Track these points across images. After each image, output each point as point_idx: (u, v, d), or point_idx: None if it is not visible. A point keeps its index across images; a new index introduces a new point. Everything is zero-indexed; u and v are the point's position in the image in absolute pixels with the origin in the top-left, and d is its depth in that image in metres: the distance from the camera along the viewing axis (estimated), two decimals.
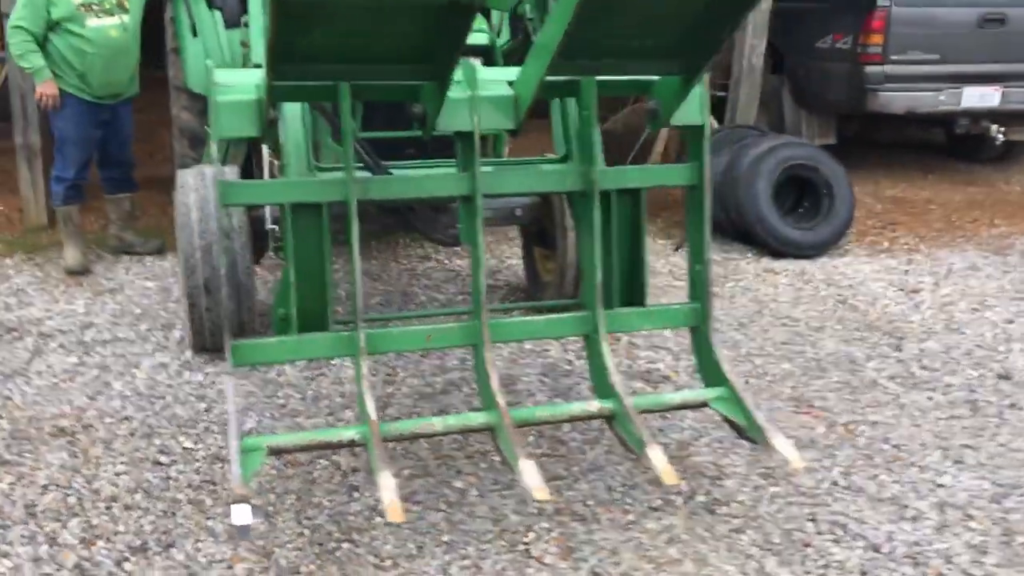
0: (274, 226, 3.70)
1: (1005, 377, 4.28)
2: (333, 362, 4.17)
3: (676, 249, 6.03)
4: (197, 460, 3.43)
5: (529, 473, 2.77)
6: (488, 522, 3.12)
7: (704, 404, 3.24)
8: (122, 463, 3.39)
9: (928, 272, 5.69)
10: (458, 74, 3.17)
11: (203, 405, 3.83)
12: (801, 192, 6.13)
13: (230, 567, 2.87)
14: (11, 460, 3.40)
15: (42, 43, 4.91)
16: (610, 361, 3.21)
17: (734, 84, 6.76)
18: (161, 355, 4.26)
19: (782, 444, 3.01)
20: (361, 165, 3.56)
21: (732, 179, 5.98)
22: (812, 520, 3.17)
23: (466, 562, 2.91)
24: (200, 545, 2.96)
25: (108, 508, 3.13)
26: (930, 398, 4.06)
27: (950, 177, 8.26)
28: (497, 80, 3.20)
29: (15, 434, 3.57)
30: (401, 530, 3.06)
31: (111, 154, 5.35)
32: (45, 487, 3.24)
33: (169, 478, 3.31)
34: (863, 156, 8.85)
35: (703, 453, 3.57)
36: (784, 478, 3.42)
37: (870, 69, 7.35)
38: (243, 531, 2.55)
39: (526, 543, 3.01)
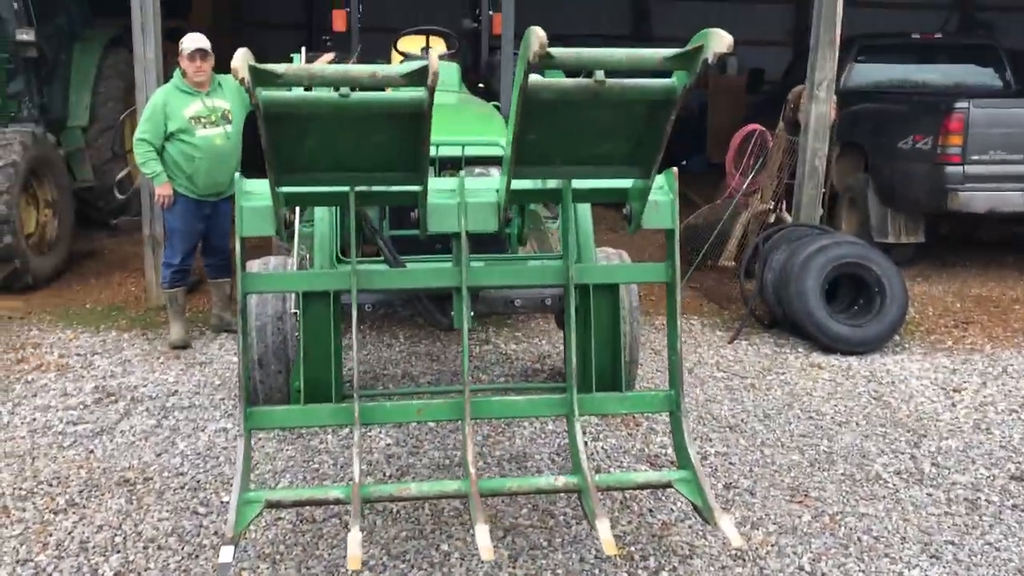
0: (296, 311, 4.24)
1: (1019, 479, 4.28)
2: (370, 432, 4.64)
3: (730, 341, 6.24)
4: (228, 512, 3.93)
5: (481, 535, 3.11)
6: None
7: (668, 485, 3.49)
8: (167, 511, 3.94)
9: (979, 372, 5.68)
10: (452, 183, 3.67)
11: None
12: (859, 290, 6.24)
13: None
14: (79, 503, 4.01)
15: (159, 151, 5.75)
16: (580, 440, 3.54)
17: (798, 185, 6.98)
18: (225, 421, 4.85)
19: (726, 524, 3.22)
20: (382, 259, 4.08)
21: (786, 276, 6.17)
22: None
23: None
24: None
25: (145, 548, 3.67)
26: (930, 494, 4.13)
27: None
28: (486, 188, 3.66)
29: (89, 482, 4.19)
30: None
31: (212, 244, 6.12)
32: (100, 527, 3.82)
33: (202, 526, 3.82)
34: (958, 254, 8.78)
35: (683, 534, 3.79)
36: (754, 561, 3.60)
37: (949, 169, 7.40)
38: (224, 568, 3.01)
39: None
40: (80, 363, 5.70)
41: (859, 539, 3.76)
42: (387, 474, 4.30)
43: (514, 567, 3.56)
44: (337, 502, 3.36)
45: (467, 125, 4.56)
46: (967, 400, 5.23)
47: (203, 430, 4.75)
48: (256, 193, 3.57)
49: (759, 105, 11.54)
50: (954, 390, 5.38)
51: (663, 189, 3.71)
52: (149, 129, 5.71)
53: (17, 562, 3.57)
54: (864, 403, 5.19)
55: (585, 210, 4.15)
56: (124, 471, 4.30)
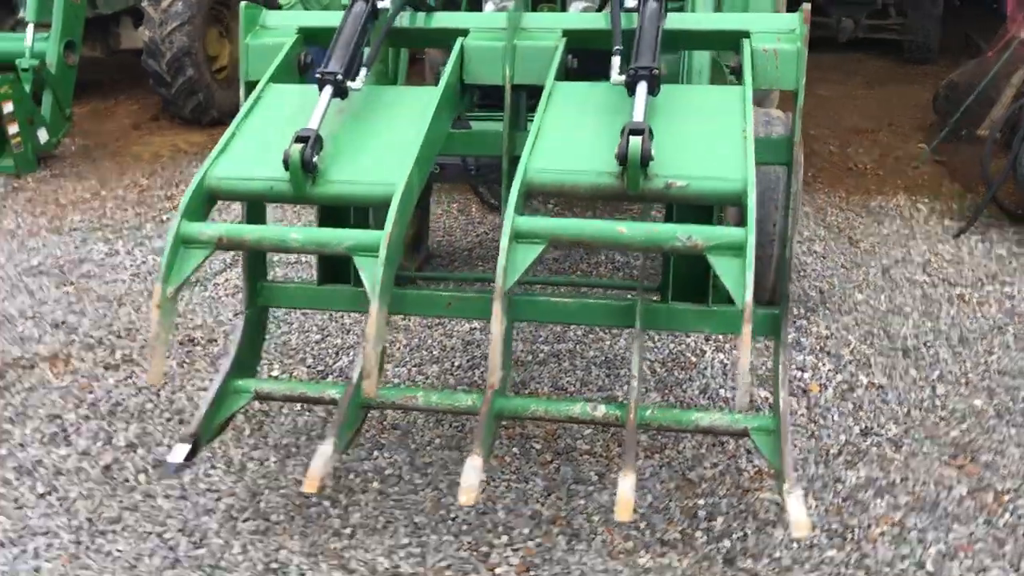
0: None
1: None
2: (444, 319, 4.05)
3: (957, 235, 4.96)
4: None
5: (467, 472, 2.47)
6: (473, 514, 2.86)
7: (743, 433, 2.65)
8: (210, 379, 3.62)
9: None
10: (502, 20, 2.86)
11: (317, 337, 3.96)
12: None
13: (218, 499, 2.96)
14: (134, 360, 3.79)
15: None
16: (638, 362, 2.75)
17: None
18: None
19: (794, 501, 2.37)
20: None
21: None
22: None
23: (416, 550, 2.72)
24: (211, 471, 3.08)
25: (169, 420, 3.38)
26: None
27: None
28: (547, 28, 2.81)
29: None
30: (386, 501, 2.93)
31: None
32: (140, 390, 3.58)
33: None
34: None
35: (776, 490, 2.93)
36: (857, 544, 2.70)
37: None
38: (169, 468, 2.60)
39: (491, 546, 2.73)
40: (222, 207, 5.50)
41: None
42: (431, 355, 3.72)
43: (543, 503, 2.90)
44: (333, 402, 2.84)
45: None
46: None
47: None
48: (272, 28, 2.98)
49: None
50: None
51: (792, 34, 2.69)
52: None
53: (46, 417, 3.40)
54: None
55: (702, 58, 3.16)
56: (193, 329, 4.04)
